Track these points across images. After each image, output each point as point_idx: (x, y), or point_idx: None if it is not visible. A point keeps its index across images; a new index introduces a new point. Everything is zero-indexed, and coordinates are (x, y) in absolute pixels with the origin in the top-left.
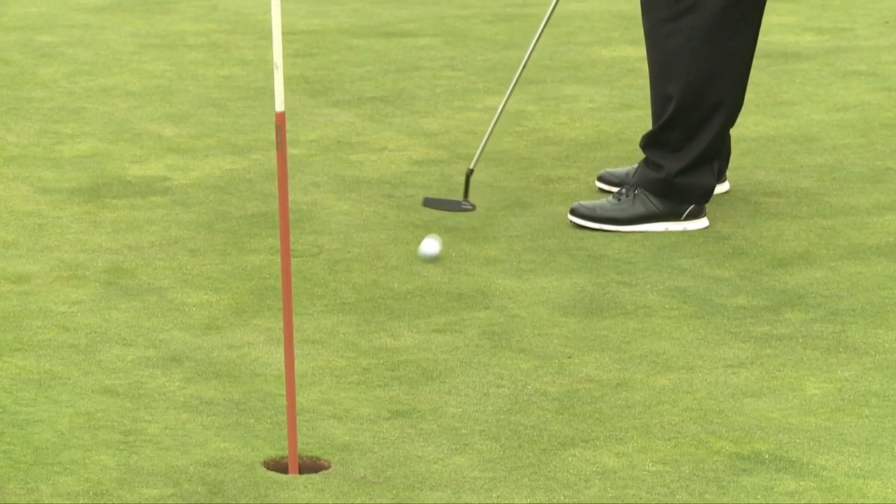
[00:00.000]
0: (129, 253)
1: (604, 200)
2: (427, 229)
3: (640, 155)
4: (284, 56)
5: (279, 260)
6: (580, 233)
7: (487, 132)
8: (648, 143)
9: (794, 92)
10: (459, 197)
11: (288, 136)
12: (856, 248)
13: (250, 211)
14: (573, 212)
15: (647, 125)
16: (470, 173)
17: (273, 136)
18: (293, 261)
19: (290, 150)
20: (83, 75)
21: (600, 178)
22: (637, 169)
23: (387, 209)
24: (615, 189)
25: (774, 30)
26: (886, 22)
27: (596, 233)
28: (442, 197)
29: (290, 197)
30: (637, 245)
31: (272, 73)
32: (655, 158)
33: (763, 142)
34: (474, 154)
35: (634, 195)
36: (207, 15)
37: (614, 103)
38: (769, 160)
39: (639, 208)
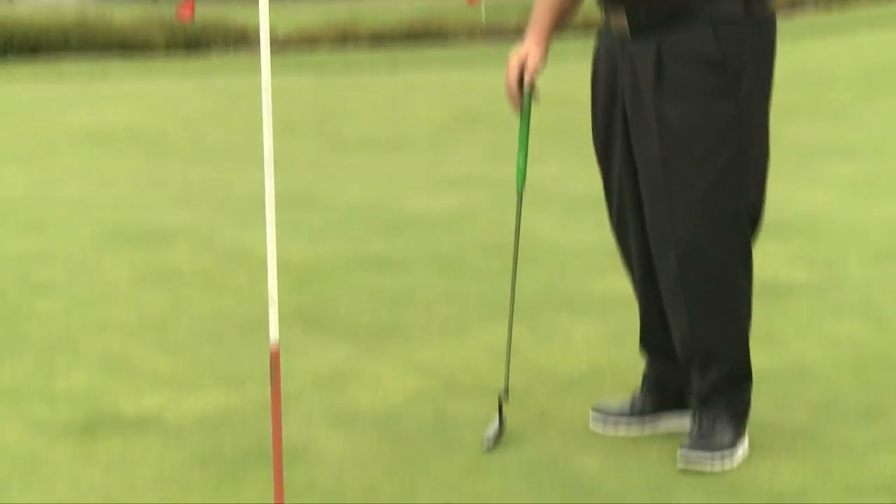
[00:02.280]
0: (122, 488)
1: (694, 429)
2: (424, 465)
3: (631, 387)
4: (279, 288)
5: (273, 496)
6: (573, 470)
7: (507, 360)
8: (734, 364)
9: (787, 326)
10: (496, 425)
11: (282, 368)
12: (852, 488)
13: (244, 446)
14: (689, 446)
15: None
16: (503, 398)
17: (268, 369)
18: (286, 497)
19: (284, 384)
20: (79, 308)
21: (595, 410)
22: (704, 391)
23: (381, 444)
24: None
25: (767, 263)
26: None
27: (588, 464)
28: (492, 433)
29: (284, 432)
30: (633, 476)
31: (267, 306)
32: (738, 382)
33: (756, 375)
34: (476, 386)
35: (715, 418)
36: (204, 247)
37: (608, 336)
38: (764, 393)
39: (730, 431)
